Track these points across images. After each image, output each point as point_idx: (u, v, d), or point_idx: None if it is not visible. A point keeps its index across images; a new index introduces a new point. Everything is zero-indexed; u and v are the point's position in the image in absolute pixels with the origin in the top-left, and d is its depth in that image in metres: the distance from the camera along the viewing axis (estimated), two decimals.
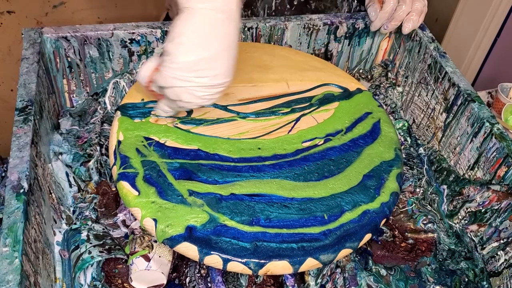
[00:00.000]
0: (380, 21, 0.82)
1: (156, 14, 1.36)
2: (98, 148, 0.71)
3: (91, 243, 0.61)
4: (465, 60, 1.55)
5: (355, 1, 0.93)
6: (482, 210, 0.68)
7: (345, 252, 0.57)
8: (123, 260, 0.62)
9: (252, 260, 0.54)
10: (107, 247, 0.61)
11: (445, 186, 0.75)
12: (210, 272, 0.61)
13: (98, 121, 0.76)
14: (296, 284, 0.61)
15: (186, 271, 0.63)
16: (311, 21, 0.83)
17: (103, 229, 0.64)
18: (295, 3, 0.91)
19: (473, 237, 0.70)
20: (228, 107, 0.71)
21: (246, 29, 0.81)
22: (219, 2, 0.53)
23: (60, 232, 0.64)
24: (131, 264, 0.60)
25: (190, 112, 0.69)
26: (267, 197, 0.60)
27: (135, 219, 0.64)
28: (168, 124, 0.66)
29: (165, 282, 0.60)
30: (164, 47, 0.55)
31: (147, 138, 0.64)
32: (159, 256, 0.60)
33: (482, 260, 0.68)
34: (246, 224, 0.57)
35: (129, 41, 0.76)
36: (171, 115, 0.66)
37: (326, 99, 0.75)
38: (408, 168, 0.77)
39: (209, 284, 0.61)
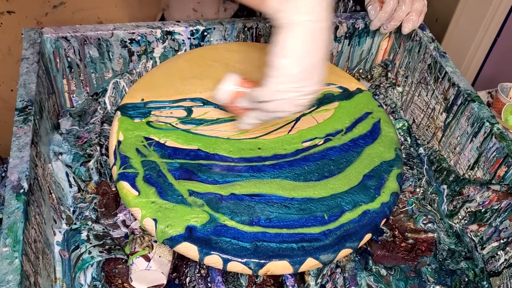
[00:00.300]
0: (379, 21, 0.82)
1: (156, 14, 1.36)
2: (98, 148, 0.71)
3: (91, 243, 0.61)
4: (465, 60, 1.55)
5: (351, 1, 0.93)
6: (482, 210, 0.68)
7: (345, 252, 0.57)
8: (123, 260, 0.62)
9: (252, 260, 0.54)
10: (107, 247, 0.61)
11: (445, 186, 0.75)
12: (210, 272, 0.61)
13: (98, 121, 0.76)
14: (296, 284, 0.61)
15: (186, 271, 0.63)
16: None
17: (103, 229, 0.64)
18: None
19: (473, 237, 0.70)
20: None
21: (246, 29, 0.81)
22: (315, 13, 0.55)
23: (60, 232, 0.64)
24: (131, 264, 0.60)
25: (190, 112, 0.69)
26: (267, 197, 0.60)
27: (135, 219, 0.64)
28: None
29: (165, 282, 0.60)
30: (273, 62, 0.56)
31: (147, 138, 0.64)
32: (159, 256, 0.60)
33: (482, 260, 0.68)
34: (246, 224, 0.57)
35: (129, 41, 0.76)
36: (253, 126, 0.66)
37: (326, 99, 0.75)
38: (408, 168, 0.77)
39: (209, 284, 0.61)
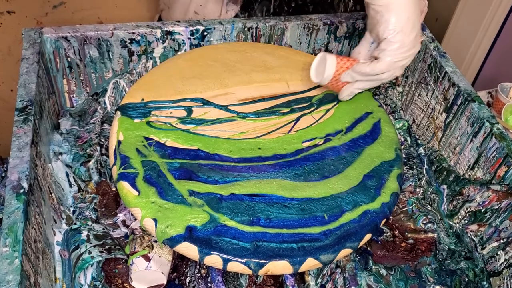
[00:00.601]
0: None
1: (154, 15, 1.36)
2: (98, 148, 0.71)
3: (91, 243, 0.61)
4: (465, 60, 1.55)
5: (351, 1, 0.93)
6: (482, 210, 0.68)
7: (345, 252, 0.57)
8: (123, 260, 0.62)
9: (252, 260, 0.54)
10: (107, 247, 0.61)
11: (445, 186, 0.75)
12: (210, 272, 0.61)
13: (98, 121, 0.76)
14: (296, 284, 0.61)
15: (186, 271, 0.63)
16: (311, 21, 0.83)
17: (103, 229, 0.64)
18: (293, 5, 0.91)
19: (473, 237, 0.70)
20: (228, 107, 0.71)
21: (246, 29, 0.81)
22: None
23: (60, 232, 0.64)
24: (131, 264, 0.60)
25: (190, 112, 0.69)
26: (267, 197, 0.60)
27: (135, 219, 0.64)
28: None
29: (165, 282, 0.60)
30: (388, 38, 0.65)
31: (147, 138, 0.64)
32: (159, 256, 0.60)
33: (482, 260, 0.68)
34: (246, 224, 0.57)
35: (129, 41, 0.76)
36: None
37: (326, 99, 0.75)
38: (408, 168, 0.77)
39: (209, 284, 0.61)
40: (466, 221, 0.71)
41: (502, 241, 0.66)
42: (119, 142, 0.63)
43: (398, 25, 0.64)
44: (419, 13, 0.67)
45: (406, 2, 0.64)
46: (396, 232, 0.69)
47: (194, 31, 0.78)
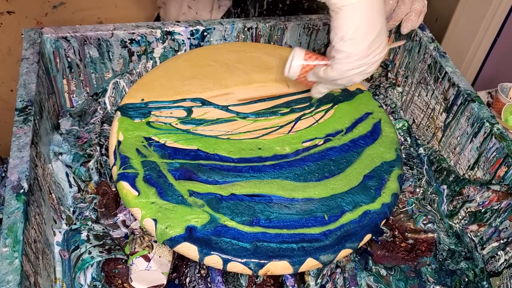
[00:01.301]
0: None
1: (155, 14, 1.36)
2: (98, 148, 0.71)
3: (91, 243, 0.61)
4: (465, 60, 1.55)
5: None
6: (482, 210, 0.68)
7: (345, 252, 0.57)
8: (123, 260, 0.62)
9: (252, 260, 0.54)
10: (107, 247, 0.61)
11: (445, 186, 0.75)
12: (210, 272, 0.61)
13: (98, 121, 0.76)
14: (296, 284, 0.61)
15: (186, 271, 0.63)
16: (311, 21, 0.83)
17: (103, 229, 0.64)
18: (288, 2, 0.90)
19: (473, 237, 0.70)
20: (228, 107, 0.71)
21: (246, 29, 0.81)
22: None
23: (60, 232, 0.64)
24: (131, 264, 0.60)
25: (190, 112, 0.69)
26: (267, 198, 0.60)
27: (135, 219, 0.64)
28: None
29: (165, 282, 0.60)
30: (337, 46, 0.59)
31: (147, 138, 0.64)
32: (159, 256, 0.60)
33: (482, 260, 0.68)
34: (247, 225, 0.57)
35: (129, 41, 0.76)
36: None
37: (326, 99, 0.75)
38: (408, 168, 0.77)
39: (209, 284, 0.61)
40: (466, 221, 0.71)
41: (502, 241, 0.66)
42: (119, 142, 0.63)
43: (346, 33, 0.58)
44: (381, 20, 0.60)
45: (358, 9, 0.57)
46: (396, 232, 0.69)
47: (194, 31, 0.78)
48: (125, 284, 0.61)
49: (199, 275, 0.62)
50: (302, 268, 0.56)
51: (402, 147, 0.81)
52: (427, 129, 0.82)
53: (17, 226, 0.50)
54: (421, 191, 0.75)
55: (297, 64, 0.66)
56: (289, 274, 0.61)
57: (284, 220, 0.58)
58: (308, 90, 0.76)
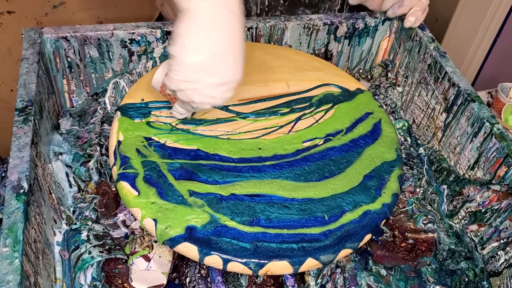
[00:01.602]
0: (392, 1, 0.83)
1: (155, 14, 1.36)
2: (98, 148, 0.71)
3: (91, 243, 0.61)
4: (465, 60, 1.55)
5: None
6: (482, 210, 0.68)
7: (345, 252, 0.57)
8: (123, 260, 0.62)
9: (252, 260, 0.54)
10: (107, 247, 0.61)
11: (445, 186, 0.75)
12: (210, 272, 0.61)
13: (98, 121, 0.76)
14: (296, 284, 0.61)
15: (186, 271, 0.63)
16: (311, 21, 0.83)
17: (103, 229, 0.64)
18: None
19: (473, 237, 0.70)
20: (228, 107, 0.71)
21: (246, 29, 0.81)
22: None
23: (60, 232, 0.64)
24: (131, 264, 0.60)
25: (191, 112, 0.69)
26: (268, 198, 0.60)
27: (135, 219, 0.64)
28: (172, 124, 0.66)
29: (165, 282, 0.60)
30: (169, 50, 0.54)
31: (147, 138, 0.64)
32: (159, 256, 0.60)
33: (482, 260, 0.68)
34: (247, 225, 0.57)
35: (129, 41, 0.76)
36: (186, 116, 0.66)
37: (326, 99, 0.75)
38: (408, 168, 0.77)
39: (209, 284, 0.61)
40: (466, 221, 0.71)
41: (502, 241, 0.66)
42: (119, 142, 0.63)
43: (185, 39, 0.52)
44: (232, 42, 0.53)
45: (210, 19, 0.51)
46: (396, 232, 0.69)
47: None
48: (125, 284, 0.61)
49: (199, 275, 0.62)
50: (302, 268, 0.56)
51: (402, 147, 0.81)
52: (427, 129, 0.82)
53: (17, 226, 0.50)
54: (421, 191, 0.75)
55: (159, 76, 0.61)
56: (289, 274, 0.61)
57: (284, 220, 0.58)
58: (308, 90, 0.76)
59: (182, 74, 0.54)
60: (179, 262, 0.64)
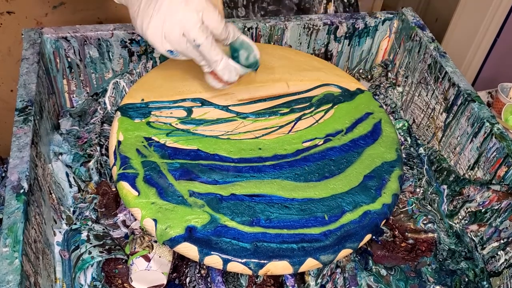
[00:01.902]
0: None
1: None
2: (98, 148, 0.71)
3: (91, 243, 0.61)
4: (465, 60, 1.55)
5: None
6: (482, 210, 0.68)
7: (345, 252, 0.57)
8: (123, 260, 0.62)
9: (252, 260, 0.54)
10: (107, 247, 0.61)
11: (445, 186, 0.75)
12: (210, 272, 0.61)
13: (98, 121, 0.76)
14: (296, 284, 0.61)
15: (186, 271, 0.63)
16: (311, 21, 0.83)
17: (103, 229, 0.64)
18: None
19: (473, 237, 0.70)
20: (228, 107, 0.71)
21: (246, 29, 0.81)
22: None
23: (60, 232, 0.64)
24: (131, 264, 0.60)
25: (190, 112, 0.69)
26: (268, 198, 0.60)
27: (135, 219, 0.64)
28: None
29: (165, 282, 0.60)
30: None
31: (147, 139, 0.64)
32: (159, 256, 0.60)
33: (482, 260, 0.68)
34: (247, 225, 0.57)
35: (129, 41, 0.76)
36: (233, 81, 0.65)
37: (326, 100, 0.75)
38: (408, 168, 0.77)
39: (209, 284, 0.61)
40: (466, 221, 0.71)
41: (502, 241, 0.66)
42: (119, 142, 0.63)
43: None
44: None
45: None
46: (396, 232, 0.69)
47: None
48: (125, 284, 0.61)
49: (199, 275, 0.62)
50: (302, 268, 0.56)
51: (402, 147, 0.81)
52: (427, 129, 0.82)
53: (17, 226, 0.50)
54: (421, 191, 0.75)
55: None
56: (289, 274, 0.61)
57: (284, 220, 0.58)
58: (308, 90, 0.76)
59: (134, 7, 0.59)
60: (179, 262, 0.64)
